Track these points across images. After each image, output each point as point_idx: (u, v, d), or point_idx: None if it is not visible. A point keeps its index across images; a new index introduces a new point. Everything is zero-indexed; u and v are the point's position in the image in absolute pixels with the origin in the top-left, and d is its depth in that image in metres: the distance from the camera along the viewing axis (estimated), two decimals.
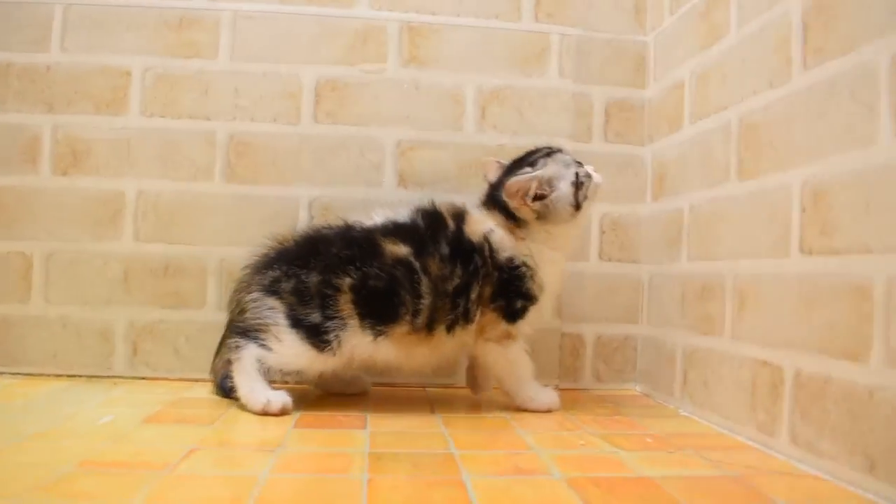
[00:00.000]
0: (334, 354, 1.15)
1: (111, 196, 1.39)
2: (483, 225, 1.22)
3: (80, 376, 1.37)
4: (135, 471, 0.82)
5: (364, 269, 1.15)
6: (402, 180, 1.43)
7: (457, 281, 1.18)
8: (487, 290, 1.20)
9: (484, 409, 1.25)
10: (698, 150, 1.27)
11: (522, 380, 1.24)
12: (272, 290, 1.17)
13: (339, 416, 1.14)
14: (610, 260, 1.47)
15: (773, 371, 1.01)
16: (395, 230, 1.20)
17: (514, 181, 1.19)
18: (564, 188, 1.20)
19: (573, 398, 1.36)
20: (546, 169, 1.21)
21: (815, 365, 0.92)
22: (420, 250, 1.18)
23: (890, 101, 0.82)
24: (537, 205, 1.20)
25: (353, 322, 1.15)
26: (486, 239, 1.21)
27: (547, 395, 1.24)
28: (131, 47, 1.41)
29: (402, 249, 1.18)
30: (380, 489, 0.79)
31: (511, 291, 1.20)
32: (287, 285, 1.16)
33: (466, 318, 1.19)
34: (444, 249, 1.19)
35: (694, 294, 1.26)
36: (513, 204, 1.20)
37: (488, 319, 1.21)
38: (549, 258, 1.22)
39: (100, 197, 1.39)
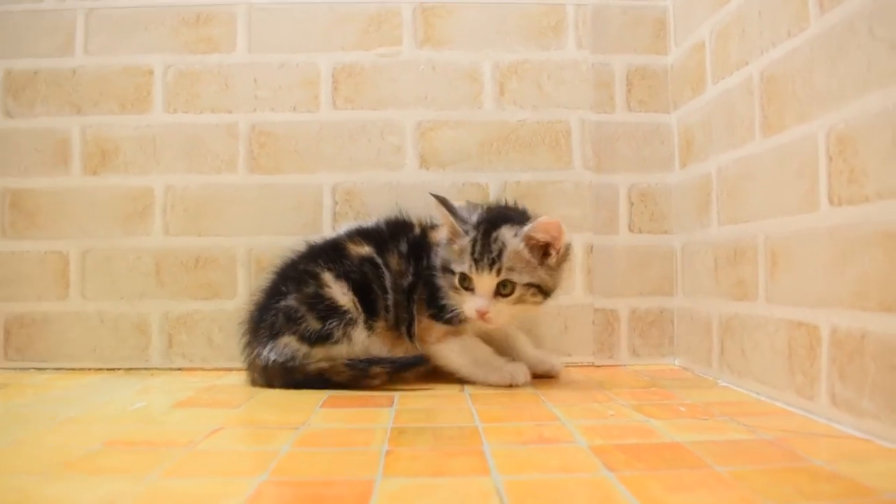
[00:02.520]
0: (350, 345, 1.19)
1: (140, 192, 1.42)
2: (442, 234, 1.23)
3: (119, 369, 1.40)
4: (158, 448, 0.83)
5: (338, 264, 1.22)
6: (424, 161, 1.43)
7: (410, 279, 1.23)
8: (425, 293, 1.22)
9: (517, 387, 1.23)
10: (722, 111, 1.23)
11: (479, 363, 1.22)
12: (276, 333, 1.20)
13: (367, 395, 1.14)
14: (640, 232, 1.44)
15: (809, 331, 0.97)
16: (359, 233, 1.27)
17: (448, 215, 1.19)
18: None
19: (609, 374, 1.34)
20: (470, 231, 1.17)
21: (850, 321, 0.88)
22: (381, 248, 1.25)
23: None
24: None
25: (360, 318, 1.20)
26: (437, 243, 1.23)
27: (508, 369, 1.21)
28: (152, 46, 1.44)
29: (365, 249, 1.24)
30: (398, 459, 0.78)
31: (441, 300, 1.20)
32: (282, 321, 1.20)
33: (413, 321, 1.23)
34: (403, 247, 1.25)
35: (726, 259, 1.22)
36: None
37: (425, 326, 1.22)
38: None
39: (129, 194, 1.42)
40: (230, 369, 1.38)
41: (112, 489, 0.68)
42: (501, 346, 1.28)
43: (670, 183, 1.45)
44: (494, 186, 1.41)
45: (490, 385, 1.20)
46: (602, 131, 1.44)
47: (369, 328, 1.20)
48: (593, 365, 1.42)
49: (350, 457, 0.80)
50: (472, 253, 1.14)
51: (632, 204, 1.44)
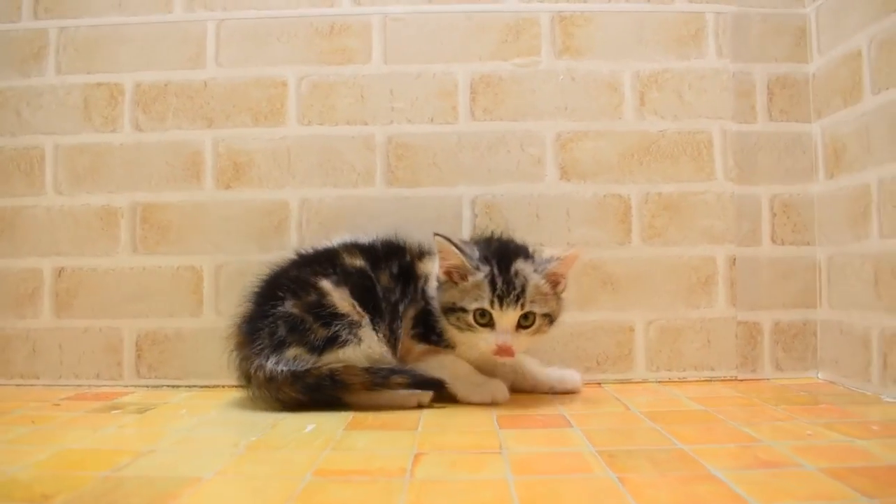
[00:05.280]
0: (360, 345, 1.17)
1: (275, 206, 1.41)
2: (433, 266, 1.23)
3: None
4: (376, 478, 0.81)
5: (335, 271, 1.21)
6: (564, 173, 1.40)
7: (397, 296, 1.23)
8: (411, 312, 1.22)
9: (680, 403, 1.21)
10: (885, 121, 1.20)
11: (459, 378, 1.20)
12: (280, 345, 1.16)
13: (536, 415, 1.12)
14: (783, 243, 1.41)
15: None
16: (355, 246, 1.27)
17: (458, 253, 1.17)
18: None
19: (755, 388, 1.32)
20: (482, 266, 1.17)
21: None
22: (374, 265, 1.24)
23: None
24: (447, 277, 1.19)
25: (364, 320, 1.18)
26: (427, 277, 1.24)
27: (489, 388, 1.20)
28: (285, 57, 1.42)
29: (359, 261, 1.24)
30: (639, 487, 0.75)
31: (429, 324, 1.21)
32: (284, 332, 1.16)
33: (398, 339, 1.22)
34: (395, 269, 1.25)
35: (891, 273, 1.19)
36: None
37: (406, 348, 1.23)
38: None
39: (264, 207, 1.41)
40: None
41: None
42: (507, 375, 1.26)
43: (813, 193, 1.42)
44: (636, 198, 1.39)
45: (472, 403, 1.18)
46: (743, 141, 1.41)
47: (375, 329, 1.19)
48: (736, 379, 1.39)
49: (588, 485, 0.77)
50: (494, 289, 1.14)
51: (774, 215, 1.41)
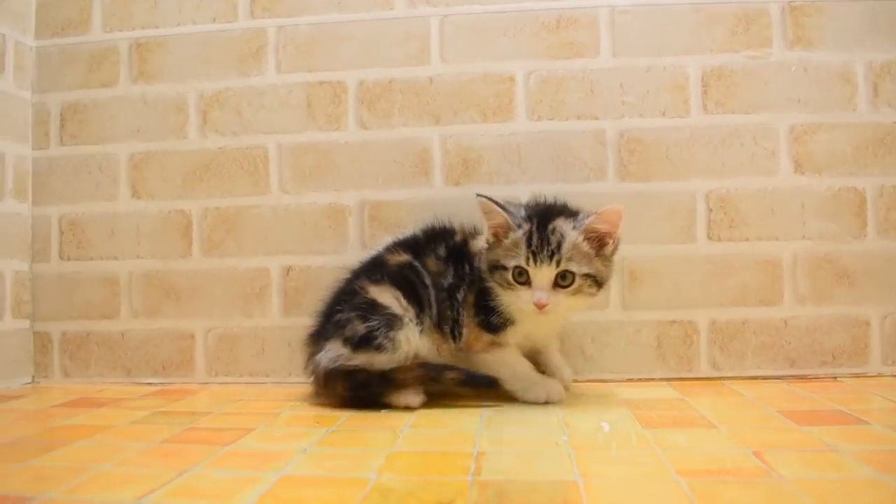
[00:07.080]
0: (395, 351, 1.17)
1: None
2: (483, 236, 1.24)
3: None
4: (743, 477, 0.80)
5: (377, 273, 1.23)
6: (798, 166, 1.38)
7: (450, 279, 1.23)
8: (471, 298, 1.22)
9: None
10: None
11: (518, 377, 1.22)
12: (326, 338, 1.21)
13: (813, 410, 1.11)
14: None
15: None
16: (396, 244, 1.28)
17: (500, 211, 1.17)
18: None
19: None
20: (523, 224, 1.17)
21: None
22: (418, 254, 1.25)
23: None
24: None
25: (408, 315, 1.18)
26: (480, 251, 1.23)
27: (544, 387, 1.21)
28: (511, 52, 1.42)
29: (403, 257, 1.25)
30: None
31: (488, 305, 1.20)
32: (332, 328, 1.20)
33: (458, 325, 1.22)
34: (442, 251, 1.26)
35: None
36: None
37: (474, 336, 1.22)
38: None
39: None
40: (603, 381, 1.37)
41: None
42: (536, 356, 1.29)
43: None
44: (871, 191, 1.37)
45: (526, 402, 1.20)
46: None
47: (419, 324, 1.19)
48: None
49: None
50: (529, 245, 1.14)
51: None
